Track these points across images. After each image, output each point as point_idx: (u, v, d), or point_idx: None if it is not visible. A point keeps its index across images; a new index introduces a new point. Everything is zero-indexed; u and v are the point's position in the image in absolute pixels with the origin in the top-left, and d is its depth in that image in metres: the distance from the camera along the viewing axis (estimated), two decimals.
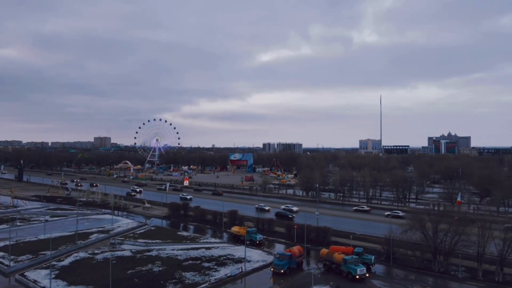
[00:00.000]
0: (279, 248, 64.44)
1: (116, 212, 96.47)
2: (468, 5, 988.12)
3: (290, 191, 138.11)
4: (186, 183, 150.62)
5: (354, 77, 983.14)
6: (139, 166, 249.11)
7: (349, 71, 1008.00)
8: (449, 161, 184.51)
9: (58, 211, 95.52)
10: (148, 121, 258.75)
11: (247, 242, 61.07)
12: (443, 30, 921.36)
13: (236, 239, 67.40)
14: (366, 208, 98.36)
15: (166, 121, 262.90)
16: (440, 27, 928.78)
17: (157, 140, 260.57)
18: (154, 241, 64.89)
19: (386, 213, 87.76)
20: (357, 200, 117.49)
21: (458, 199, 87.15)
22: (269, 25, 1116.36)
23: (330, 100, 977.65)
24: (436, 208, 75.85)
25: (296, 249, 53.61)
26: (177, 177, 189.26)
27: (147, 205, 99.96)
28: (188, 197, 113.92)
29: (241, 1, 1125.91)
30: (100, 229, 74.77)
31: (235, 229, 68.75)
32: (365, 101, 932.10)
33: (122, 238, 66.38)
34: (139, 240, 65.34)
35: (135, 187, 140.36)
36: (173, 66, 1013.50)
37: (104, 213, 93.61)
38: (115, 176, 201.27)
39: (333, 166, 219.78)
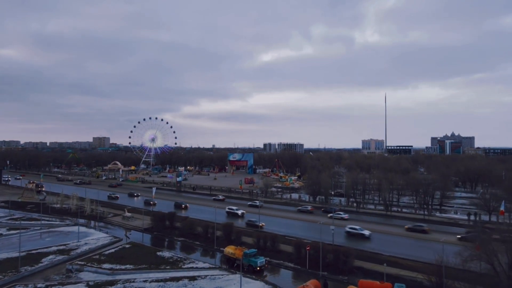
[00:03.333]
0: (286, 275, 49.53)
1: (92, 222, 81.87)
2: (470, 4, 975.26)
3: (295, 196, 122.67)
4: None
5: (356, 77, 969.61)
6: (133, 167, 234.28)
7: (350, 71, 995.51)
8: (466, 162, 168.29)
9: (20, 222, 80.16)
10: (144, 119, 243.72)
11: (245, 268, 46.99)
12: (444, 30, 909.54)
13: (230, 263, 52.40)
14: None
15: (162, 120, 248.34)
16: (441, 27, 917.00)
17: (152, 139, 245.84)
18: (123, 267, 49.83)
19: (406, 226, 74.32)
20: (373, 206, 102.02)
21: (502, 208, 71.79)
22: (270, 25, 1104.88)
23: (331, 100, 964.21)
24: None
25: (311, 285, 38.52)
26: (171, 178, 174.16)
27: (127, 214, 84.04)
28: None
29: (243, 1, 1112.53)
30: (61, 247, 59.74)
31: (229, 250, 53.53)
32: (367, 101, 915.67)
33: (83, 263, 51.10)
34: (104, 266, 50.13)
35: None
36: (174, 66, 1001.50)
37: (77, 224, 78.43)
38: (104, 177, 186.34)
39: (338, 167, 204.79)
